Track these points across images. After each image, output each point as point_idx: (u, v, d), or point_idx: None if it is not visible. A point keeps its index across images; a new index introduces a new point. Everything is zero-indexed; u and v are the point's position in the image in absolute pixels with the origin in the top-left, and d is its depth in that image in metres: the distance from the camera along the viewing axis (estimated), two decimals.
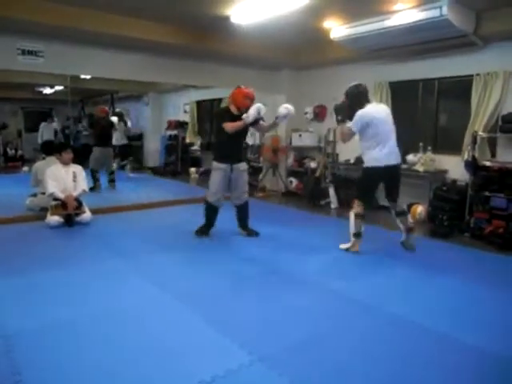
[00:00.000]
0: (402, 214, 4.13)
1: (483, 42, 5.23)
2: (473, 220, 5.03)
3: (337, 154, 7.17)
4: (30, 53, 5.38)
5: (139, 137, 12.28)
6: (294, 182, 7.79)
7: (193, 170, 9.99)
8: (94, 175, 7.46)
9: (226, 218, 4.77)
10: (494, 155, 5.32)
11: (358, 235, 4.00)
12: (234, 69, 7.32)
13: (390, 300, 3.04)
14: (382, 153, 3.86)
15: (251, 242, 4.51)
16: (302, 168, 7.76)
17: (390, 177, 3.97)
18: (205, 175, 9.52)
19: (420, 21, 4.68)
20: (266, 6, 4.74)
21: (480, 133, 5.20)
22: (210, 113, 10.65)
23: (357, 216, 3.96)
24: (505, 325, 2.70)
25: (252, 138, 8.83)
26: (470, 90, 5.46)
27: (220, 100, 9.88)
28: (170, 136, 11.28)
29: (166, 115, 11.93)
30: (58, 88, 11.20)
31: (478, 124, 5.32)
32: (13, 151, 11.88)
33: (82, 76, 8.74)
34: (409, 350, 2.35)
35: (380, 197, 6.53)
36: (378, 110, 3.94)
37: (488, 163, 5.07)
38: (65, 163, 5.23)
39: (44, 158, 6.11)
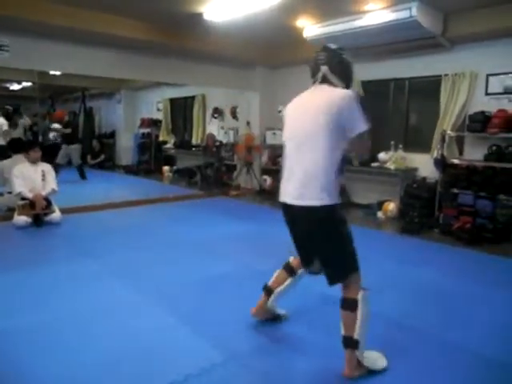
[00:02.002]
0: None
1: (450, 44, 5.38)
2: (442, 216, 5.17)
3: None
4: None
5: (111, 135, 12.07)
6: (268, 180, 7.80)
7: (166, 168, 9.88)
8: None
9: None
10: (461, 153, 5.48)
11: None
12: (208, 66, 7.27)
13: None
14: (283, 178, 2.17)
15: (228, 240, 4.50)
16: (276, 166, 7.78)
17: (293, 226, 2.22)
18: (178, 174, 9.47)
19: (390, 21, 4.77)
20: (240, 4, 4.74)
21: (448, 132, 5.34)
22: (183, 110, 10.57)
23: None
24: (481, 317, 2.79)
25: (226, 136, 8.82)
26: (439, 90, 5.60)
27: (193, 98, 9.80)
28: (143, 134, 11.13)
29: (138, 113, 11.75)
30: (26, 84, 10.87)
31: (447, 123, 5.46)
32: None
33: (52, 72, 8.52)
34: (387, 345, 2.39)
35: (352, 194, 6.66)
36: (302, 102, 2.21)
37: (456, 161, 5.23)
38: (33, 162, 5.09)
39: (10, 156, 5.93)
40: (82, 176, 8.70)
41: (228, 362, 2.18)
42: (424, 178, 5.74)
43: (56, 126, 8.66)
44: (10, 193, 5.19)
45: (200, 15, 5.24)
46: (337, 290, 2.14)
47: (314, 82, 2.16)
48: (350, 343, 2.00)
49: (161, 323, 2.60)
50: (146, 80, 9.35)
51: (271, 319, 2.61)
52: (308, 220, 2.06)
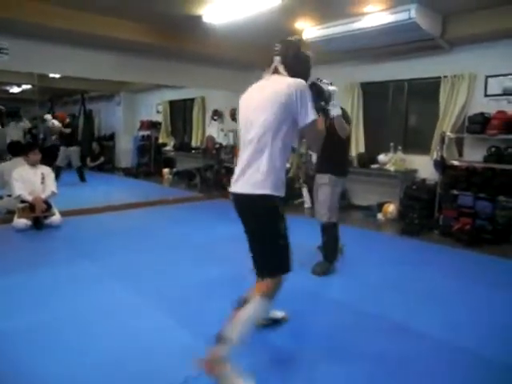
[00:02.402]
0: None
1: (449, 46, 5.39)
2: (442, 218, 5.17)
3: (310, 155, 7.23)
4: None
5: (111, 137, 12.07)
6: None
7: (166, 170, 9.88)
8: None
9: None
10: (461, 155, 5.48)
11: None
12: (208, 69, 7.28)
13: (365, 297, 3.08)
14: (236, 168, 2.13)
15: (228, 242, 4.50)
16: None
17: (241, 217, 2.18)
18: (177, 176, 9.47)
19: (389, 23, 4.77)
20: (239, 6, 4.74)
21: (448, 133, 5.34)
22: (183, 113, 10.58)
23: None
24: (481, 318, 2.78)
25: (226, 138, 8.82)
26: (439, 92, 5.60)
27: (193, 100, 9.81)
28: (143, 136, 11.13)
29: (138, 115, 11.76)
30: (26, 87, 10.87)
31: (446, 125, 5.46)
32: None
33: (51, 75, 8.53)
34: (384, 348, 2.39)
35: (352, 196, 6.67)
36: (252, 93, 2.20)
37: (456, 163, 5.23)
38: (32, 164, 5.08)
39: (10, 159, 5.93)
40: (82, 178, 8.72)
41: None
42: (424, 180, 5.75)
43: (56, 123, 8.64)
44: (9, 196, 5.19)
45: (199, 18, 5.24)
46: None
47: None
48: (220, 338, 1.90)
49: (161, 325, 2.60)
50: (145, 82, 9.36)
51: (273, 323, 2.55)
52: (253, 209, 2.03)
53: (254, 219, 2.05)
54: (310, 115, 1.95)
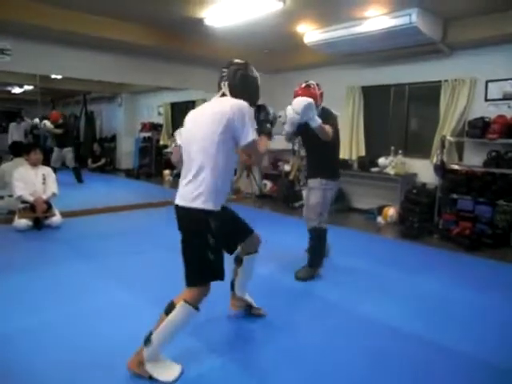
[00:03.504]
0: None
1: (450, 50, 5.40)
2: (441, 222, 5.18)
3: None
4: None
5: (112, 138, 12.09)
6: (268, 184, 7.82)
7: (167, 172, 9.90)
8: None
9: None
10: (461, 159, 5.49)
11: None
12: (208, 71, 7.26)
13: (362, 300, 3.09)
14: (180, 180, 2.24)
15: None
16: (276, 171, 7.81)
17: (179, 226, 2.21)
18: (178, 178, 9.46)
19: (390, 28, 4.79)
20: (240, 10, 4.76)
21: (448, 137, 5.36)
22: (184, 115, 10.52)
23: None
24: (479, 324, 2.78)
25: None
26: (439, 96, 5.62)
27: (194, 102, 9.83)
28: (144, 138, 11.14)
29: (139, 117, 11.78)
30: (28, 88, 10.90)
31: (447, 129, 5.48)
32: None
33: (53, 76, 8.55)
34: (380, 349, 2.39)
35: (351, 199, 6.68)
36: (198, 112, 2.31)
37: (456, 167, 5.24)
38: (33, 164, 5.09)
39: (12, 159, 5.95)
40: (79, 179, 8.70)
41: (227, 364, 2.18)
42: (424, 184, 5.76)
43: (48, 123, 8.54)
44: (10, 196, 5.20)
45: (201, 20, 5.27)
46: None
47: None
48: (146, 339, 2.03)
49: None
50: (147, 84, 9.38)
51: (249, 308, 2.76)
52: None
53: (187, 230, 2.14)
54: (250, 135, 2.06)
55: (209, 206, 2.05)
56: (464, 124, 5.36)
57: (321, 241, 3.53)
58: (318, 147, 3.43)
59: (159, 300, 2.99)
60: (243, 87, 2.24)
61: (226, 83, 2.23)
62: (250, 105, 2.16)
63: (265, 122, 2.28)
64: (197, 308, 2.09)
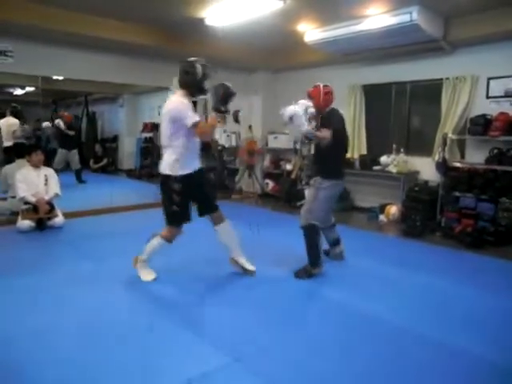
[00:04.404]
0: None
1: (451, 47, 5.39)
2: (444, 219, 5.17)
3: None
4: None
5: (114, 139, 12.10)
6: (270, 183, 7.82)
7: None
8: None
9: None
10: (463, 156, 5.48)
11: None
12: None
13: (366, 298, 3.09)
14: None
15: None
16: (278, 170, 7.81)
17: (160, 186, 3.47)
18: None
19: (391, 25, 4.79)
20: (241, 9, 4.76)
21: (450, 135, 5.35)
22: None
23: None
24: (482, 323, 2.78)
25: (228, 140, 8.83)
26: (441, 94, 5.61)
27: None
28: (146, 138, 11.14)
29: (141, 117, 11.77)
30: (29, 89, 10.91)
31: (448, 126, 5.47)
32: None
33: (55, 77, 8.56)
34: (384, 348, 2.39)
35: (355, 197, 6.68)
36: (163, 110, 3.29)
37: (458, 164, 5.23)
38: (35, 165, 5.10)
39: (14, 161, 5.96)
40: (80, 180, 8.73)
41: (232, 364, 2.19)
42: (426, 182, 5.75)
43: (61, 124, 8.61)
44: (13, 197, 5.22)
45: (202, 20, 5.27)
46: None
47: None
48: (142, 252, 3.31)
49: (162, 326, 2.61)
50: (148, 85, 9.38)
51: (244, 272, 3.48)
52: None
53: (161, 188, 3.30)
54: (188, 121, 2.94)
55: (169, 172, 3.14)
56: (466, 121, 5.34)
57: (310, 238, 3.49)
58: (318, 146, 3.44)
59: (160, 300, 3.03)
60: (184, 81, 3.07)
61: (176, 79, 3.11)
62: (194, 94, 3.11)
63: (216, 102, 3.01)
64: (170, 241, 3.25)
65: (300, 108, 3.36)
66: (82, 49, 5.80)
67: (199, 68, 3.03)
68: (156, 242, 3.22)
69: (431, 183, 5.66)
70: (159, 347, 2.36)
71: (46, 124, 8.97)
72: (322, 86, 3.49)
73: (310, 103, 3.46)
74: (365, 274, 3.67)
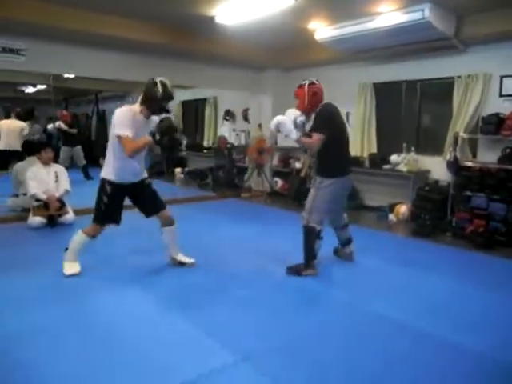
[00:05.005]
0: None
1: (464, 45, 5.33)
2: (454, 219, 5.11)
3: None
4: (12, 51, 5.27)
5: None
6: (280, 182, 7.81)
7: (178, 170, 9.94)
8: None
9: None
10: (475, 156, 5.42)
11: None
12: (219, 69, 7.31)
13: (374, 298, 3.07)
14: None
15: (238, 242, 4.52)
16: (287, 168, 7.80)
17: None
18: (189, 176, 9.52)
19: (403, 23, 4.75)
20: (252, 7, 4.75)
21: (461, 134, 5.29)
22: (195, 113, 10.62)
23: None
24: (492, 323, 2.75)
25: (237, 139, 8.84)
26: (452, 92, 5.55)
27: (205, 100, 9.85)
28: None
29: None
30: (41, 87, 11.03)
31: (460, 125, 5.41)
32: None
33: (66, 75, 8.64)
34: (391, 348, 2.38)
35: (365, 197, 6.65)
36: None
37: (469, 163, 5.17)
38: (45, 163, 5.14)
39: (20, 160, 6.03)
40: (87, 176, 8.83)
41: (239, 362, 2.19)
42: (436, 181, 5.70)
43: (62, 125, 8.70)
44: (25, 194, 5.27)
45: (212, 18, 5.27)
46: None
47: None
48: (65, 248, 3.43)
49: (172, 324, 2.62)
50: None
51: (179, 264, 3.66)
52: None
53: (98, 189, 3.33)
54: (117, 130, 3.02)
55: (106, 176, 3.24)
56: (478, 120, 5.28)
57: (307, 240, 3.45)
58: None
59: (170, 299, 3.04)
60: (145, 98, 3.16)
61: (142, 93, 3.19)
62: (155, 112, 3.18)
63: (156, 131, 3.07)
64: (93, 237, 3.39)
65: (287, 116, 3.38)
66: (92, 47, 5.83)
67: (160, 88, 3.07)
68: (78, 238, 3.40)
69: (442, 182, 5.61)
70: (168, 344, 2.37)
71: (50, 126, 9.09)
72: (307, 84, 3.34)
73: (298, 111, 3.43)
74: (373, 273, 3.64)
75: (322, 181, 3.41)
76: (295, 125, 3.39)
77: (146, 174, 3.50)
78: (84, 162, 8.92)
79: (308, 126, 3.44)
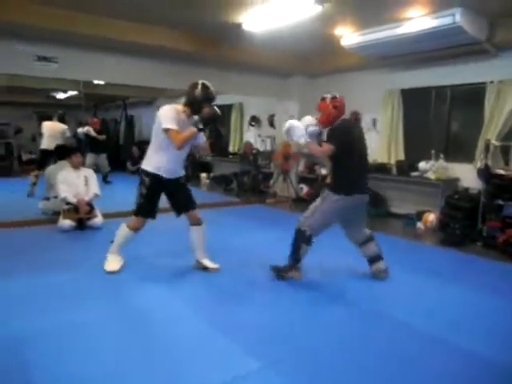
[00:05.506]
0: None
1: (496, 50, 5.19)
2: (485, 229, 4.96)
3: None
4: (45, 59, 5.46)
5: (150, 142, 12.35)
6: (305, 188, 7.77)
7: (204, 175, 10.02)
8: None
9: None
10: (507, 163, 5.26)
11: None
12: (245, 76, 7.35)
13: (397, 306, 3.01)
14: None
15: (263, 247, 4.51)
16: (313, 174, 7.76)
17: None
18: (214, 181, 9.59)
19: (432, 28, 4.67)
20: (279, 14, 4.76)
21: (493, 141, 5.14)
22: (221, 118, 10.67)
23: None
24: None
25: (263, 144, 8.86)
26: (483, 98, 5.41)
27: (231, 106, 9.92)
28: None
29: None
30: (72, 93, 11.34)
31: (491, 132, 5.27)
32: (27, 155, 12.02)
33: (95, 81, 8.87)
34: (416, 358, 2.32)
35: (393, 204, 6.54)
36: None
37: (501, 171, 5.02)
38: (75, 166, 5.27)
39: (56, 162, 6.19)
40: (105, 180, 9.00)
41: (264, 369, 2.17)
42: (466, 189, 5.55)
43: (91, 131, 8.88)
44: (55, 197, 5.42)
45: (239, 26, 5.31)
46: None
47: None
48: (111, 241, 3.65)
49: (196, 329, 2.63)
50: (183, 89, 9.55)
51: (202, 268, 3.69)
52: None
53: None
54: (164, 124, 3.15)
55: (146, 168, 3.40)
56: (511, 127, 5.13)
57: (295, 243, 3.42)
58: (331, 158, 3.39)
59: (194, 303, 3.05)
60: (187, 100, 3.35)
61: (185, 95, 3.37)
62: (194, 113, 3.29)
63: (198, 119, 3.24)
64: (136, 230, 3.55)
65: (301, 123, 3.38)
66: (121, 54, 5.99)
67: (201, 89, 3.27)
68: (121, 232, 3.59)
69: (472, 190, 5.46)
70: (192, 350, 2.37)
71: (79, 131, 9.31)
72: (329, 98, 3.35)
73: (313, 121, 3.43)
74: (398, 283, 3.56)
75: (329, 194, 3.38)
76: (306, 132, 3.38)
77: (183, 173, 3.64)
78: (108, 169, 9.12)
79: (322, 137, 3.47)
